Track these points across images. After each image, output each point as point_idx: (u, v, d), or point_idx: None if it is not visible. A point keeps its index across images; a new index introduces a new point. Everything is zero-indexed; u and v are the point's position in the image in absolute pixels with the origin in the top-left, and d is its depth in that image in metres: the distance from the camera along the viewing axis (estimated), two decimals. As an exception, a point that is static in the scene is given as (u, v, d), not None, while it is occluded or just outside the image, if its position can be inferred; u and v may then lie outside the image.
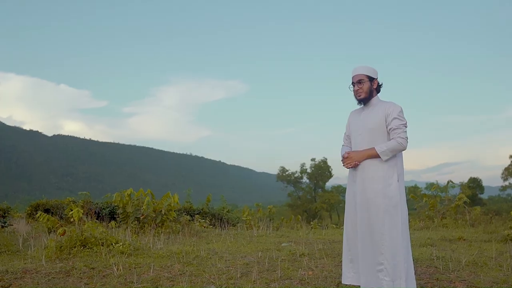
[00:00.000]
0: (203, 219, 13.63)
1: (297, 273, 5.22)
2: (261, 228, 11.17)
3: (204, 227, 11.94)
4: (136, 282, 4.73)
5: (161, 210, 9.39)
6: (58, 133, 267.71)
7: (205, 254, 6.36)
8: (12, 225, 8.39)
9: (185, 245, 7.36)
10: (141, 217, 9.30)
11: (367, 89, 4.23)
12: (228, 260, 6.06)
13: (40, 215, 7.28)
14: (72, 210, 7.28)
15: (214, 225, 13.58)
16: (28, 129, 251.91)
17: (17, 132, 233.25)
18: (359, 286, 4.15)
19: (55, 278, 4.94)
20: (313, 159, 66.91)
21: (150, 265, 5.51)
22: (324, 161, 65.87)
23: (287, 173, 67.39)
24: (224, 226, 13.65)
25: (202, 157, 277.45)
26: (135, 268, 5.40)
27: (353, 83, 4.27)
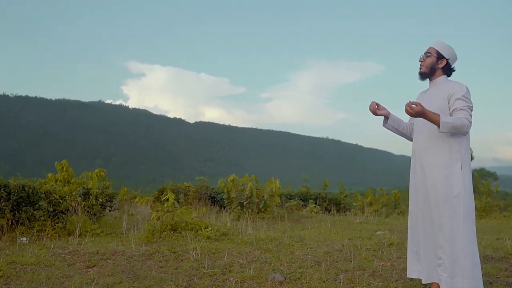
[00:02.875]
0: (317, 204, 13.58)
1: (373, 264, 5.02)
2: (366, 214, 10.85)
3: (315, 212, 11.90)
4: (207, 267, 4.87)
5: (264, 196, 9.52)
6: (199, 120, 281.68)
7: (289, 241, 6.36)
8: (118, 209, 9.02)
9: (276, 231, 7.42)
10: (244, 202, 9.52)
11: (429, 64, 3.90)
12: (311, 248, 6.00)
13: (138, 200, 7.79)
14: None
15: (330, 210, 13.48)
16: (172, 117, 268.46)
17: (162, 120, 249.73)
18: (425, 280, 3.89)
19: (136, 260, 5.25)
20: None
21: (230, 251, 5.64)
22: (464, 142, 62.04)
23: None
24: (341, 211, 13.51)
25: (338, 141, 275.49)
26: (213, 253, 5.56)
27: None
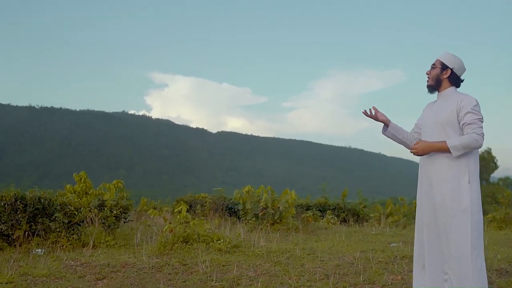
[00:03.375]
0: (335, 215, 13.48)
1: (383, 278, 4.96)
2: (382, 225, 10.73)
3: (332, 223, 11.80)
4: (215, 280, 4.87)
5: (279, 207, 9.49)
6: (222, 130, 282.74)
7: (300, 254, 6.32)
8: (132, 220, 9.07)
9: (288, 243, 7.38)
10: (259, 214, 9.50)
11: (434, 76, 3.88)
12: (322, 260, 5.96)
13: (151, 212, 7.82)
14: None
15: (348, 221, 13.36)
16: (195, 126, 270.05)
17: (185, 130, 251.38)
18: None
19: (146, 273, 5.28)
20: (476, 150, 62.41)
21: (240, 264, 5.63)
22: (488, 151, 61.04)
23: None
24: (360, 222, 13.37)
25: (361, 150, 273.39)
26: (223, 266, 5.56)
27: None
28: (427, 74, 3.93)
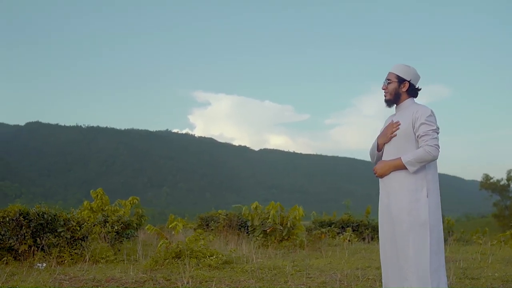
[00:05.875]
0: (358, 232, 13.27)
1: (362, 295, 4.84)
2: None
3: (348, 240, 11.60)
4: (191, 296, 4.86)
5: (287, 223, 9.42)
6: (264, 147, 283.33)
7: (292, 270, 6.24)
8: (137, 236, 9.17)
9: (286, 260, 7.30)
10: (268, 230, 9.45)
11: (392, 91, 3.80)
12: (310, 277, 5.87)
13: (148, 227, 7.87)
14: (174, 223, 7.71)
15: (372, 238, 13.14)
16: (237, 144, 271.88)
17: (227, 148, 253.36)
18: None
19: (127, 287, 5.32)
20: (522, 165, 60.28)
21: (223, 280, 5.61)
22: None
23: (491, 180, 61.85)
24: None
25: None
26: (206, 281, 5.54)
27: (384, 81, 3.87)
28: (383, 89, 3.85)
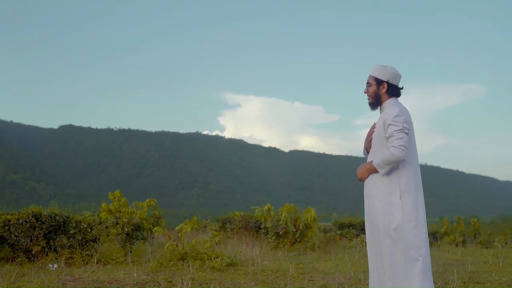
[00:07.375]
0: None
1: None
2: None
3: (365, 242, 11.50)
4: (187, 298, 4.89)
5: (300, 225, 9.39)
6: (294, 149, 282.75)
7: (295, 273, 6.21)
8: (146, 238, 9.25)
9: (293, 262, 7.27)
10: (280, 232, 9.43)
11: (373, 93, 3.77)
12: (311, 280, 5.84)
13: (156, 229, 7.92)
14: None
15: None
16: (267, 146, 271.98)
17: (257, 149, 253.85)
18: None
19: (126, 289, 5.38)
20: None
21: (223, 282, 5.62)
22: None
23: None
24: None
25: (438, 167, 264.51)
26: (206, 283, 5.56)
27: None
28: (365, 93, 3.81)
